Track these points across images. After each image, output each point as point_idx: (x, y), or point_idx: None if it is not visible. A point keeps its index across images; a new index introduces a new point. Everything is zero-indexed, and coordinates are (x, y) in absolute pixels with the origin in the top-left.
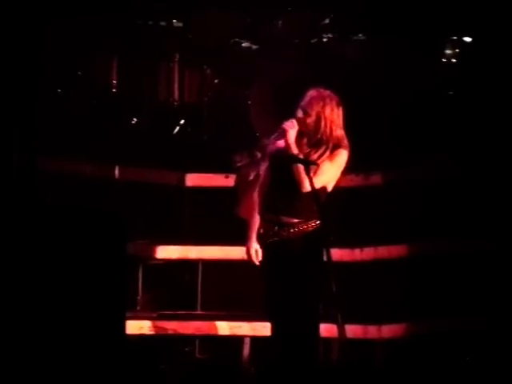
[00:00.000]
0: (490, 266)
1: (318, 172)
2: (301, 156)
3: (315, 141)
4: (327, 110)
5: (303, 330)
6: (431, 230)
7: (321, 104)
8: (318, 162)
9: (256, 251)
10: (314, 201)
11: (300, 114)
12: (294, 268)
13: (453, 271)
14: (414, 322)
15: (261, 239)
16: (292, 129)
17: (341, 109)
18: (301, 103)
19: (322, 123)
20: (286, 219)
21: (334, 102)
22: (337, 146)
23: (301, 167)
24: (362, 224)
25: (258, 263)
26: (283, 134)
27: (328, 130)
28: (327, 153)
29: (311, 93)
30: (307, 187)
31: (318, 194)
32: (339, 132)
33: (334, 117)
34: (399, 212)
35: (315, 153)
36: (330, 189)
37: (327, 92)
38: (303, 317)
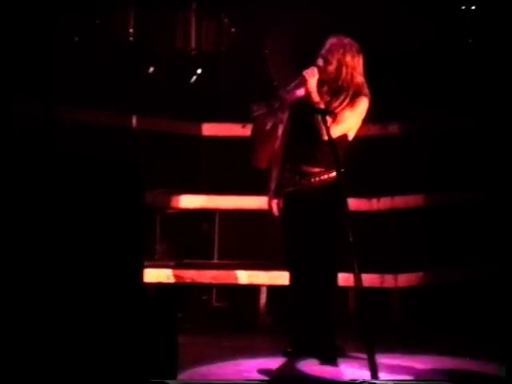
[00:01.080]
0: (505, 217)
1: (339, 120)
2: (322, 104)
3: (335, 88)
4: (348, 57)
5: (322, 278)
6: (448, 180)
7: (341, 51)
8: (339, 109)
9: (277, 203)
10: (331, 150)
11: (320, 62)
12: (314, 217)
13: (468, 221)
14: (429, 271)
15: (281, 189)
16: (313, 77)
17: (361, 56)
18: (321, 51)
19: (343, 70)
20: (306, 168)
21: (354, 49)
22: (357, 94)
23: (319, 117)
24: (380, 174)
25: (277, 214)
26: (303, 83)
27: (349, 77)
28: (347, 100)
29: (331, 40)
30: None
31: (339, 142)
32: (360, 79)
33: (354, 63)
34: (416, 162)
35: (336, 101)
36: (351, 137)
37: (347, 39)
38: (323, 266)
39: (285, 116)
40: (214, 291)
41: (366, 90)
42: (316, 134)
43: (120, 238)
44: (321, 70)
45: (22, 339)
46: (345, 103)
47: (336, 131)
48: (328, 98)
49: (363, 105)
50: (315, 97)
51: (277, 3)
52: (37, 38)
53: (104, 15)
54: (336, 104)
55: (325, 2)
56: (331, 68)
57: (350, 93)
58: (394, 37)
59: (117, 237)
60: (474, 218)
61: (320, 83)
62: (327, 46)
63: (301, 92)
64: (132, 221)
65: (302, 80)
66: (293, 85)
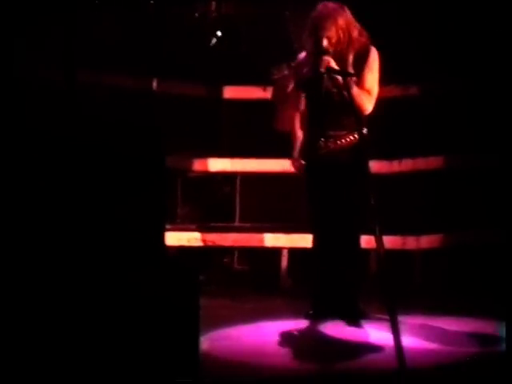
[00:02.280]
0: None
1: (367, 90)
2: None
3: (338, 53)
4: (340, 21)
5: (346, 240)
6: (470, 143)
7: (333, 20)
8: (361, 76)
9: (300, 163)
10: (354, 113)
11: (325, 43)
12: (338, 179)
13: (488, 183)
14: (451, 233)
15: (308, 152)
16: (330, 63)
17: (346, 10)
18: (319, 33)
19: (341, 35)
20: (332, 132)
21: (340, 9)
22: (366, 48)
23: (355, 90)
24: (401, 135)
25: (302, 173)
26: (325, 75)
27: (347, 38)
28: (351, 57)
29: (318, 15)
30: (367, 108)
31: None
32: (355, 33)
33: (347, 22)
34: (438, 124)
35: (345, 65)
36: (375, 95)
37: (329, 4)
38: (347, 227)
39: (302, 84)
40: (236, 254)
41: (365, 38)
42: (338, 97)
43: (142, 202)
44: (328, 49)
45: (46, 299)
46: (352, 62)
47: (370, 102)
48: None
49: (376, 58)
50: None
51: None
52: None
53: None
54: (348, 68)
55: None
56: (334, 40)
57: (352, 49)
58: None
59: (139, 200)
60: (493, 180)
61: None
62: (318, 22)
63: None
64: (153, 184)
65: (322, 76)
66: (302, 55)
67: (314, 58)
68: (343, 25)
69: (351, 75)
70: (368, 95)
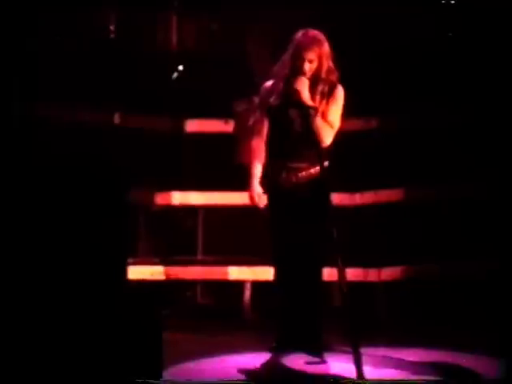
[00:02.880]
0: (483, 211)
1: (330, 122)
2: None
3: (313, 80)
4: (323, 49)
5: (308, 273)
6: (430, 174)
7: (318, 45)
8: (324, 107)
9: (259, 196)
10: (316, 146)
11: (307, 66)
12: (300, 212)
13: (449, 216)
14: (412, 265)
15: (269, 184)
16: (305, 87)
17: (328, 43)
18: (299, 54)
19: (323, 62)
20: (292, 164)
21: (323, 38)
22: (333, 84)
23: (318, 119)
24: (363, 168)
25: (261, 205)
26: (297, 95)
27: (325, 67)
28: (326, 88)
29: (303, 38)
30: (326, 141)
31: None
32: (332, 65)
33: (328, 52)
34: (399, 156)
35: (315, 93)
36: (336, 129)
37: (315, 31)
38: (309, 260)
39: (267, 112)
40: (199, 288)
41: (337, 75)
42: (301, 130)
43: (104, 237)
44: (307, 73)
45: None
46: (324, 93)
47: (331, 135)
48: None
49: (342, 94)
50: (308, 100)
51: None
52: (16, 34)
53: (85, 12)
54: (318, 97)
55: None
56: (314, 65)
57: (327, 80)
58: (373, 31)
59: (101, 235)
60: (454, 211)
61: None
62: (303, 45)
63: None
64: (115, 218)
65: (295, 92)
66: (269, 84)
67: (287, 82)
68: (326, 53)
69: (315, 108)
70: (329, 128)
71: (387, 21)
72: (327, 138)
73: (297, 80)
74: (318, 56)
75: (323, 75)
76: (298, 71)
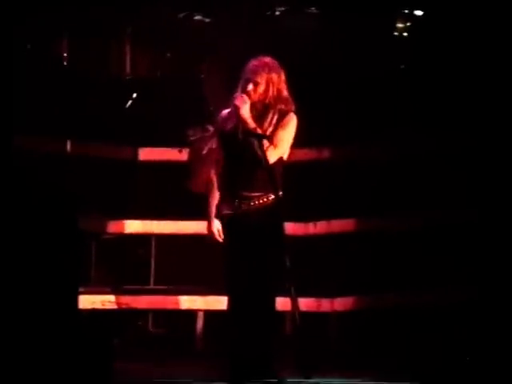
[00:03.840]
0: (438, 241)
1: (275, 144)
2: (258, 130)
3: (263, 107)
4: (273, 75)
5: (261, 303)
6: (384, 205)
7: (267, 70)
8: (271, 131)
9: (219, 231)
10: (268, 174)
11: (250, 86)
12: (253, 241)
13: (404, 246)
14: (365, 296)
15: (221, 214)
16: (244, 104)
17: (283, 72)
18: (247, 76)
19: (270, 88)
20: (245, 193)
21: (276, 66)
22: (285, 111)
23: (256, 143)
24: (316, 198)
25: (220, 240)
26: (236, 112)
27: (275, 94)
28: (275, 118)
29: (254, 63)
30: (269, 160)
31: (276, 164)
32: (285, 93)
33: (279, 80)
34: (353, 187)
35: (265, 120)
36: (285, 157)
37: (268, 58)
38: (262, 290)
39: (219, 141)
40: (151, 317)
41: (291, 105)
42: (253, 158)
43: (55, 265)
44: (251, 94)
45: None
46: (274, 122)
47: (274, 155)
48: (258, 120)
49: (293, 121)
50: (251, 123)
51: (213, 29)
52: None
53: (37, 40)
54: (266, 124)
55: (259, 28)
56: (260, 90)
57: (277, 109)
58: (328, 62)
59: (52, 263)
60: (408, 242)
61: (251, 106)
62: (252, 68)
63: (234, 119)
64: (67, 247)
65: (234, 109)
66: (225, 113)
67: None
68: (275, 79)
69: (267, 138)
70: (273, 148)
71: (346, 53)
72: (270, 157)
73: (237, 97)
74: (266, 81)
75: (273, 102)
76: (242, 91)
